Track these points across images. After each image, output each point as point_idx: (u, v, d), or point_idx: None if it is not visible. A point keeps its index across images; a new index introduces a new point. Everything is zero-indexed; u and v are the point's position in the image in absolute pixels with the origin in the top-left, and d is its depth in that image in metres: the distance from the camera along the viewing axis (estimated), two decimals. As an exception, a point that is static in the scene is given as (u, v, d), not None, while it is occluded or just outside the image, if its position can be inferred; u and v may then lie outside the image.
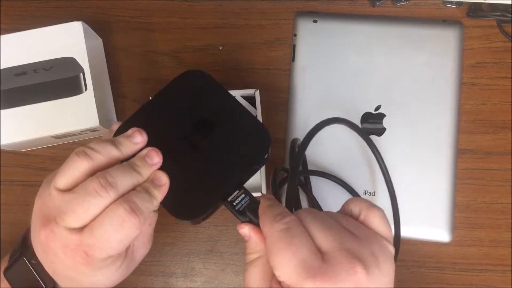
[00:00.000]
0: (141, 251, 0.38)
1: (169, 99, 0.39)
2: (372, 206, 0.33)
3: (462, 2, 0.54)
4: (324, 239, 0.30)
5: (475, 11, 0.54)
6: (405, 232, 0.49)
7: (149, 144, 0.36)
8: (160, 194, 0.35)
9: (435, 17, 0.54)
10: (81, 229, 0.33)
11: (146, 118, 0.38)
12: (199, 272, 0.53)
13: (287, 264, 0.29)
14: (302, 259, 0.29)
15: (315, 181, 0.51)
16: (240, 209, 0.35)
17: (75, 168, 0.33)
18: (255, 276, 0.32)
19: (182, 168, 0.36)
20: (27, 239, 0.38)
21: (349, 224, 0.32)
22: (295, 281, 0.28)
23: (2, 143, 0.47)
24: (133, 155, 0.36)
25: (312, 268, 0.28)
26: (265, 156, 0.37)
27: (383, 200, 0.51)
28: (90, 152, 0.34)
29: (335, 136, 0.51)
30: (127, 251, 0.36)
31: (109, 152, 0.35)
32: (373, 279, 0.29)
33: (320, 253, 0.29)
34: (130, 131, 0.36)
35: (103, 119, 0.49)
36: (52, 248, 0.34)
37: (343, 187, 0.51)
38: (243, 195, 0.35)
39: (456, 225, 0.51)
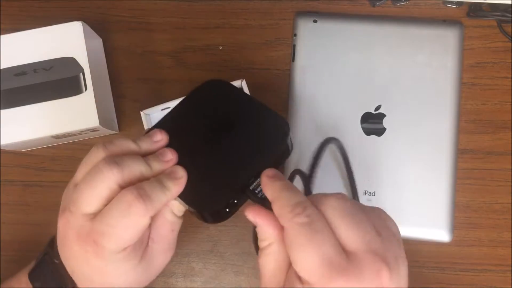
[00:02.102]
0: (162, 258, 0.37)
1: (191, 106, 0.41)
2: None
3: (462, 2, 0.54)
4: (351, 239, 0.29)
5: (475, 11, 0.54)
6: (405, 232, 0.49)
7: (170, 145, 0.37)
8: (175, 186, 0.35)
9: (435, 17, 0.54)
10: (94, 216, 0.33)
11: (169, 124, 0.39)
12: (199, 272, 0.53)
13: (309, 261, 0.28)
14: (325, 257, 0.27)
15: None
16: (263, 196, 0.34)
17: (91, 159, 0.35)
18: (269, 265, 0.31)
19: (202, 165, 0.37)
20: (54, 239, 0.38)
21: (376, 220, 0.30)
22: (317, 279, 0.27)
23: (2, 143, 0.47)
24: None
25: (335, 267, 0.27)
26: (283, 143, 0.39)
27: (383, 200, 0.51)
28: (109, 144, 0.35)
29: (334, 136, 0.51)
30: (145, 253, 0.36)
31: (127, 146, 0.35)
32: (394, 283, 0.28)
33: (345, 251, 0.28)
34: (151, 132, 0.38)
35: (103, 119, 0.49)
36: (68, 239, 0.34)
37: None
38: None
39: (456, 225, 0.51)
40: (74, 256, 0.35)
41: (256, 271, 0.53)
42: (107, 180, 0.33)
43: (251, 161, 0.37)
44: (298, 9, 0.54)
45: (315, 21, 0.53)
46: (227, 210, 0.36)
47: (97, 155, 0.34)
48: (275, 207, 0.31)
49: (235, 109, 0.40)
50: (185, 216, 0.53)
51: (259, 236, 0.32)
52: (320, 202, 0.30)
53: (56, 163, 0.54)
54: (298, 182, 0.41)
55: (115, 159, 0.33)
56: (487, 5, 0.54)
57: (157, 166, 0.35)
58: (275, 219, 0.31)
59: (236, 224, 0.53)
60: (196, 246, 0.53)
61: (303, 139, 0.52)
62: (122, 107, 0.54)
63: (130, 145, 0.36)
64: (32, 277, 0.40)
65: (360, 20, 0.53)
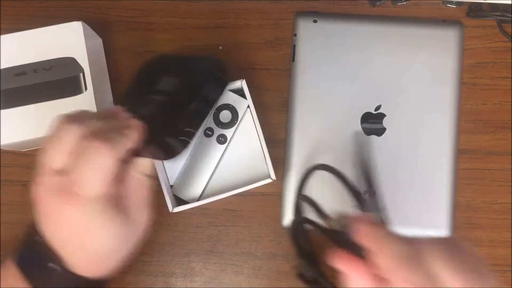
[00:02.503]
0: (139, 214, 0.39)
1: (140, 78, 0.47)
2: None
3: (462, 2, 0.54)
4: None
5: (475, 11, 0.54)
6: (405, 232, 0.49)
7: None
8: (132, 131, 0.37)
9: (435, 17, 0.54)
10: (63, 171, 0.35)
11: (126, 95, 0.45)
12: (199, 272, 0.53)
13: None
14: None
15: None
16: (348, 240, 0.35)
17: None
18: None
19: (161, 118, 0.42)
20: (32, 222, 0.39)
21: (468, 260, 0.32)
22: None
23: (2, 143, 0.47)
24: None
25: None
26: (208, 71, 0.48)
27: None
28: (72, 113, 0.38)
29: (334, 136, 0.51)
30: (120, 207, 0.37)
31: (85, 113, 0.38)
32: None
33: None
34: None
35: (103, 119, 0.49)
36: (43, 200, 0.35)
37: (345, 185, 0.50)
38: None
39: (456, 225, 0.51)
40: (51, 217, 0.36)
41: (256, 271, 0.53)
42: (70, 134, 0.35)
43: (185, 92, 0.44)
44: (298, 9, 0.54)
45: (315, 21, 0.53)
46: (183, 138, 0.42)
47: (57, 121, 0.36)
48: (380, 258, 0.32)
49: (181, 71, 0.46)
50: (184, 216, 0.53)
51: (345, 283, 0.33)
52: (425, 251, 0.32)
53: (56, 163, 0.54)
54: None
55: (73, 118, 0.36)
56: (487, 5, 0.54)
57: (114, 122, 0.38)
58: (369, 269, 0.32)
59: (236, 224, 0.53)
60: (196, 246, 0.53)
61: (303, 139, 0.52)
62: (122, 107, 0.54)
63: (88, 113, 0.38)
64: (20, 263, 0.39)
65: (360, 20, 0.53)
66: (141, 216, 0.39)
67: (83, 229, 0.35)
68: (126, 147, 0.36)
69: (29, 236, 0.39)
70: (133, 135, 0.37)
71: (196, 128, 0.46)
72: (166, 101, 0.43)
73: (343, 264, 0.33)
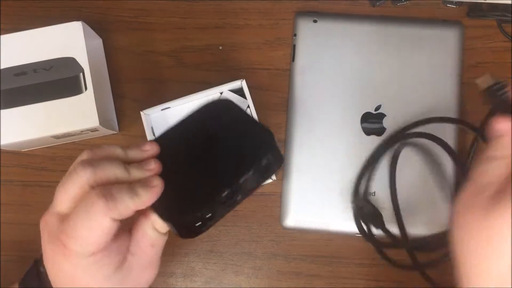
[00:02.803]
0: (141, 274, 0.36)
1: (190, 122, 0.39)
2: None
3: (462, 2, 0.54)
4: None
5: (475, 11, 0.54)
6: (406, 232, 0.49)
7: (160, 158, 0.36)
8: (146, 194, 0.33)
9: (435, 17, 0.54)
10: (64, 216, 0.33)
11: (165, 137, 0.38)
12: (199, 272, 0.53)
13: None
14: None
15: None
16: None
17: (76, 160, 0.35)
18: (493, 171, 0.32)
19: (182, 179, 0.36)
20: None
21: None
22: None
23: (2, 143, 0.47)
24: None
25: None
26: (264, 154, 0.36)
27: (383, 200, 0.51)
28: (95, 148, 0.34)
29: (335, 136, 0.51)
30: (121, 264, 0.34)
31: (113, 151, 0.35)
32: None
33: None
34: (143, 142, 0.36)
35: (103, 119, 0.49)
36: (43, 240, 0.34)
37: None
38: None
39: (456, 225, 0.51)
40: (47, 258, 0.34)
41: (256, 271, 0.53)
42: (79, 180, 0.32)
43: (225, 173, 0.35)
44: (298, 9, 0.54)
45: (315, 21, 0.53)
46: (200, 223, 0.34)
47: (80, 157, 0.34)
48: None
49: (225, 125, 0.39)
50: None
51: (495, 144, 0.33)
52: None
53: (56, 163, 0.54)
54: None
55: (91, 161, 0.33)
56: (487, 5, 0.54)
57: (136, 173, 0.34)
58: None
59: (236, 224, 0.53)
60: (196, 246, 0.53)
61: (303, 139, 0.52)
62: (122, 107, 0.54)
63: (116, 151, 0.35)
64: (21, 285, 0.39)
65: (360, 20, 0.53)
66: (143, 276, 0.36)
67: (73, 279, 0.33)
68: (131, 210, 0.33)
69: (36, 264, 0.38)
70: (146, 198, 0.33)
71: (217, 217, 0.35)
72: (199, 172, 0.36)
73: (501, 125, 0.33)
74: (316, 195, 0.51)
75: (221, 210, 0.35)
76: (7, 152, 0.53)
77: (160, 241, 0.36)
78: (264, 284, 0.52)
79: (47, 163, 0.54)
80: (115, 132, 0.54)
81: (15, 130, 0.48)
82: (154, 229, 0.35)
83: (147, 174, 0.34)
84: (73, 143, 0.54)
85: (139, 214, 0.35)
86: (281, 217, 0.52)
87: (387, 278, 0.51)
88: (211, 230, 0.53)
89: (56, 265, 0.33)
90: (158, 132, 0.50)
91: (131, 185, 0.33)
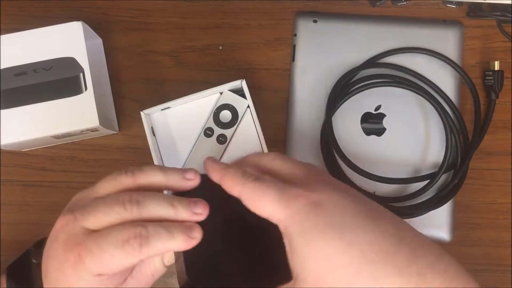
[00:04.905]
0: None
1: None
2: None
3: (462, 2, 0.54)
4: (293, 173, 0.34)
5: (475, 11, 0.54)
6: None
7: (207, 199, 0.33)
8: (182, 243, 0.31)
9: (435, 17, 0.54)
10: (91, 232, 0.32)
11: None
12: (199, 272, 0.53)
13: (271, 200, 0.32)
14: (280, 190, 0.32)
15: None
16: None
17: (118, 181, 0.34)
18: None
19: (221, 242, 0.33)
20: (43, 240, 0.38)
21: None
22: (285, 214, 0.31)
23: (2, 143, 0.47)
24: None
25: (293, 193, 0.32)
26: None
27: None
28: (138, 172, 0.33)
29: (335, 135, 0.51)
30: (121, 284, 0.34)
31: (154, 178, 0.33)
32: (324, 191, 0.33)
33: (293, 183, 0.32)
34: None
35: (103, 119, 0.49)
36: (57, 240, 0.33)
37: None
38: None
39: (456, 225, 0.51)
40: (54, 258, 0.34)
41: (256, 271, 0.53)
42: (123, 214, 0.31)
43: (252, 273, 0.32)
44: (298, 9, 0.54)
45: (315, 21, 0.53)
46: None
47: (125, 181, 0.33)
48: (226, 181, 0.33)
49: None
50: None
51: None
52: (259, 160, 0.35)
53: (56, 163, 0.54)
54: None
55: (138, 198, 0.32)
56: (487, 5, 0.54)
57: (183, 214, 0.32)
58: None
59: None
60: (196, 246, 0.53)
61: (303, 139, 0.52)
62: (122, 107, 0.54)
63: (157, 177, 0.33)
64: (8, 271, 0.39)
65: (360, 20, 0.53)
66: None
67: (69, 284, 0.33)
68: (162, 252, 0.31)
69: (28, 254, 0.38)
70: (179, 246, 0.31)
71: None
72: (230, 252, 0.33)
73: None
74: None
75: None
76: (7, 152, 0.53)
77: (161, 273, 0.36)
78: (264, 284, 0.52)
79: (47, 163, 0.54)
80: (115, 132, 0.54)
81: (15, 130, 0.48)
82: (162, 262, 0.35)
83: (194, 218, 0.32)
84: (73, 143, 0.54)
85: None
86: (281, 217, 0.52)
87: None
88: (211, 230, 0.53)
89: (61, 270, 0.33)
90: (158, 132, 0.50)
91: (170, 228, 0.31)
